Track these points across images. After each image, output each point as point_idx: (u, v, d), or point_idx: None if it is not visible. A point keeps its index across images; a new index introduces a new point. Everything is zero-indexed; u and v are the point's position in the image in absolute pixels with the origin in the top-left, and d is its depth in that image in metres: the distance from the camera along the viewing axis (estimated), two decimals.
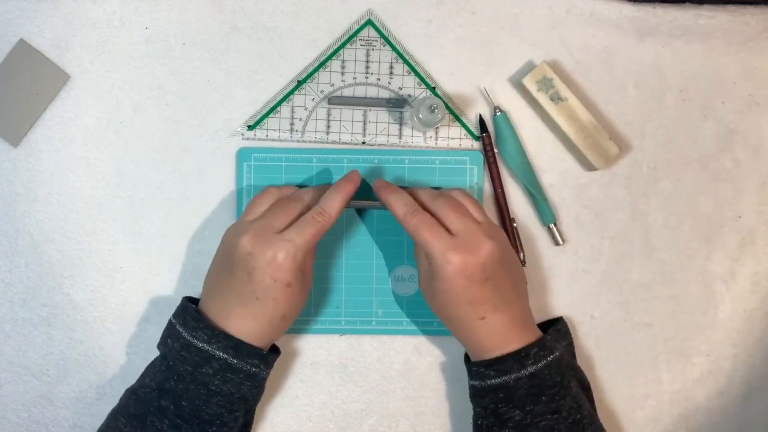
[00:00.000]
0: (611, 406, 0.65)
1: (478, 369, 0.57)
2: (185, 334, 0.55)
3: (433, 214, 0.56)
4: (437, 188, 0.63)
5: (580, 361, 0.64)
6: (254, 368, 0.56)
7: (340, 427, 0.65)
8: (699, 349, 0.65)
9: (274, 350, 0.60)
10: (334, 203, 0.57)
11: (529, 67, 0.64)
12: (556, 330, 0.58)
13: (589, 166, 0.64)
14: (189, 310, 0.57)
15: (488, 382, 0.56)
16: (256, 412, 0.64)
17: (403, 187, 0.59)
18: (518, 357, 0.55)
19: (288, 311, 0.56)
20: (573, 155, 0.65)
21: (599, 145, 0.62)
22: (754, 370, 0.66)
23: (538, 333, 0.58)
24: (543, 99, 0.62)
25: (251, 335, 0.56)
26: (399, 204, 0.57)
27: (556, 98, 0.61)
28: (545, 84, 0.61)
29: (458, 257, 0.54)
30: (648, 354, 0.65)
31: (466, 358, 0.60)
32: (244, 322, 0.56)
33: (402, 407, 0.65)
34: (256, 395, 0.58)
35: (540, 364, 0.55)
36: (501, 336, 0.56)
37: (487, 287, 0.55)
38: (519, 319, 0.57)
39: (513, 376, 0.55)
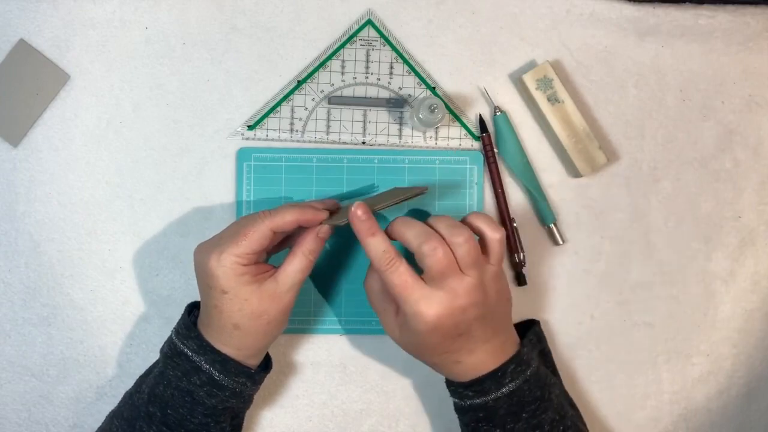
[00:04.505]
0: (611, 406, 0.65)
1: (456, 389, 0.56)
2: (177, 341, 0.55)
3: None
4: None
5: (579, 362, 0.64)
6: (240, 386, 0.55)
7: (340, 427, 0.65)
8: (699, 349, 0.65)
9: (267, 363, 0.59)
10: (283, 216, 0.53)
11: (531, 66, 0.64)
12: (529, 341, 0.58)
13: (574, 173, 0.64)
14: (185, 318, 0.57)
15: (467, 402, 0.55)
16: (256, 412, 0.64)
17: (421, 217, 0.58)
18: (496, 377, 0.54)
19: (240, 320, 0.53)
20: (560, 160, 0.65)
21: (588, 153, 0.62)
22: (754, 370, 0.66)
23: (516, 345, 0.56)
24: (540, 98, 0.62)
25: (231, 351, 0.54)
26: (374, 250, 0.53)
27: (553, 99, 0.61)
28: (545, 83, 0.61)
29: (432, 312, 0.51)
30: (648, 354, 0.65)
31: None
32: (210, 333, 0.55)
33: (402, 407, 0.65)
34: (243, 407, 0.58)
35: (518, 381, 0.54)
36: (478, 367, 0.54)
37: (460, 340, 0.53)
38: (498, 347, 0.55)
39: (492, 396, 0.54)
